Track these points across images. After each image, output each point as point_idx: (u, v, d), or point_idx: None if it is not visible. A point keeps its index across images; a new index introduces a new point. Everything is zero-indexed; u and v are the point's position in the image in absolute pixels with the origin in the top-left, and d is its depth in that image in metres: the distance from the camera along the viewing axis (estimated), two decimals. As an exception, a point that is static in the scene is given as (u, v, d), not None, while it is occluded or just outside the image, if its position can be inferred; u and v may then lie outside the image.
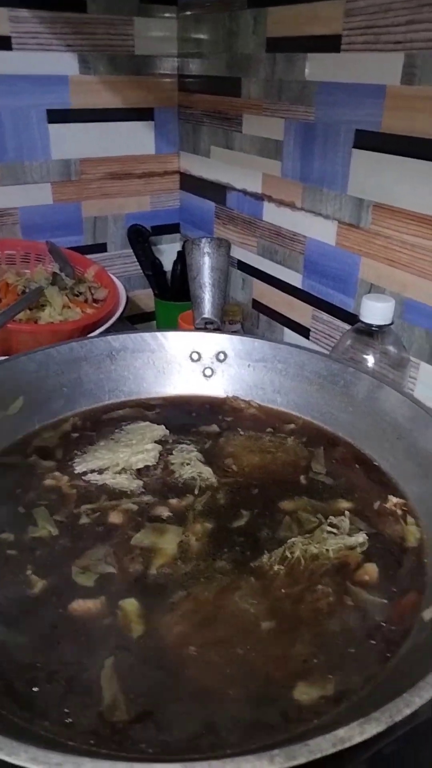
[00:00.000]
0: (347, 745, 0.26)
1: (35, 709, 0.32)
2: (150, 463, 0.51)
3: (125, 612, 0.37)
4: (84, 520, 0.45)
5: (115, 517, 0.45)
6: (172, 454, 0.53)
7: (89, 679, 0.34)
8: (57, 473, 0.50)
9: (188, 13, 0.91)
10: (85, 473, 0.50)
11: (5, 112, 0.87)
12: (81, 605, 0.38)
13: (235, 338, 0.62)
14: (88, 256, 0.94)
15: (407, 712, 0.26)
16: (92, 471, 0.51)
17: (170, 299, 0.98)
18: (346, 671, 0.34)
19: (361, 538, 0.43)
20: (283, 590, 0.39)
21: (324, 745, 0.26)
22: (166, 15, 0.93)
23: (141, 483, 0.49)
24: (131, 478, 0.50)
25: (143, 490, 0.49)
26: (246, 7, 0.79)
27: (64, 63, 0.89)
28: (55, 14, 0.86)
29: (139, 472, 0.50)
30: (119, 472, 0.50)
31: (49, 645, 0.36)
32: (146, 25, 0.92)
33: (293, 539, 0.42)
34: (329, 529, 0.43)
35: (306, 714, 0.32)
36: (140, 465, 0.50)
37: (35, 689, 0.33)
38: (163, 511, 0.46)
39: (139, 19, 0.91)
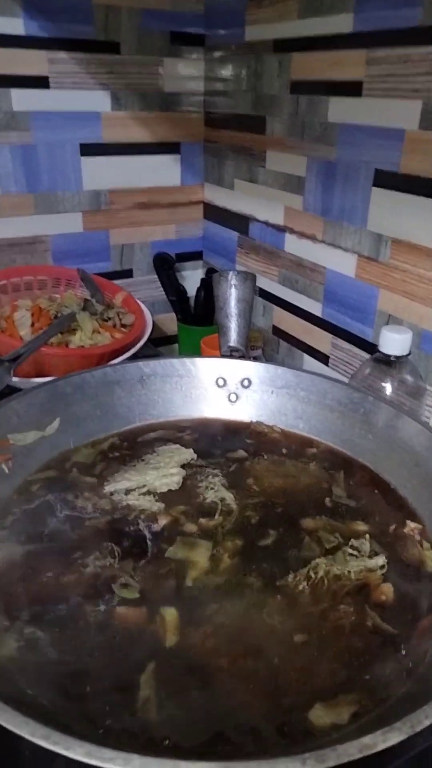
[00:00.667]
0: (372, 751, 0.29)
1: (86, 710, 0.35)
2: (173, 488, 0.53)
3: (164, 621, 0.40)
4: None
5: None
6: (197, 478, 0.56)
7: (130, 680, 0.37)
8: (87, 493, 0.53)
9: (215, 54, 0.96)
10: (112, 493, 0.53)
11: (41, 145, 0.92)
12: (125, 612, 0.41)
13: (260, 365, 0.66)
14: (115, 282, 0.98)
15: (427, 722, 0.28)
16: (119, 491, 0.53)
17: (193, 324, 1.02)
18: (366, 692, 0.37)
19: (381, 560, 0.45)
20: (308, 608, 0.42)
21: (351, 751, 0.28)
22: (194, 56, 0.98)
23: (163, 506, 0.52)
24: (153, 500, 0.52)
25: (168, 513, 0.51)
26: (272, 51, 0.84)
27: (98, 100, 0.94)
28: (91, 56, 0.91)
29: (163, 496, 0.53)
30: (144, 494, 0.53)
31: (95, 649, 0.39)
32: (175, 64, 0.97)
33: (317, 560, 0.45)
34: (350, 551, 0.46)
35: (323, 731, 0.35)
36: (164, 489, 0.53)
37: (88, 689, 0.36)
38: (192, 528, 0.49)
39: (168, 59, 0.96)
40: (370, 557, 0.46)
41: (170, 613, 0.41)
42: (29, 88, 0.89)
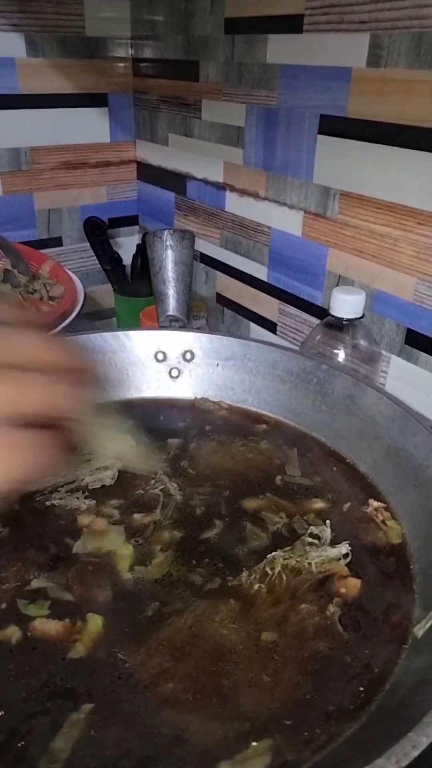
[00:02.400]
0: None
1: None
2: (107, 483, 0.47)
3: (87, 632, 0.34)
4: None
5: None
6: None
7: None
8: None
9: (141, -8, 0.86)
10: (35, 493, 0.46)
11: None
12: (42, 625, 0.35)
13: (203, 336, 0.59)
14: (43, 251, 0.89)
15: (415, 754, 0.23)
16: (42, 491, 0.46)
17: (130, 295, 0.94)
18: (335, 703, 0.32)
19: (344, 548, 0.40)
20: (265, 612, 0.36)
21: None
22: (118, -6, 0.88)
23: (93, 503, 0.45)
24: (81, 498, 0.45)
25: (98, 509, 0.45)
26: (202, -14, 0.75)
27: (10, 44, 0.83)
28: (-2, -9, 0.80)
29: (95, 492, 0.46)
30: (71, 491, 0.46)
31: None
32: (97, 4, 0.87)
33: (273, 554, 0.39)
34: (309, 540, 0.41)
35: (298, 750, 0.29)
36: (96, 485, 0.46)
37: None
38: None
39: (89, -3, 0.86)
40: (332, 545, 0.41)
41: (94, 623, 0.34)
42: None
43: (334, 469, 0.50)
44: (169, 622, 0.35)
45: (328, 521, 0.43)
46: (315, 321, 0.75)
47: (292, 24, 0.65)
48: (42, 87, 0.87)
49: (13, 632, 0.35)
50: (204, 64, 0.79)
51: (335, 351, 0.63)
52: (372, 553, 0.42)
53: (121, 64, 0.93)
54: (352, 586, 0.38)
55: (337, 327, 0.62)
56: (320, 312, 0.74)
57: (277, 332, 0.81)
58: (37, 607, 0.36)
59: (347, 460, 0.51)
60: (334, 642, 0.35)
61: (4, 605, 0.37)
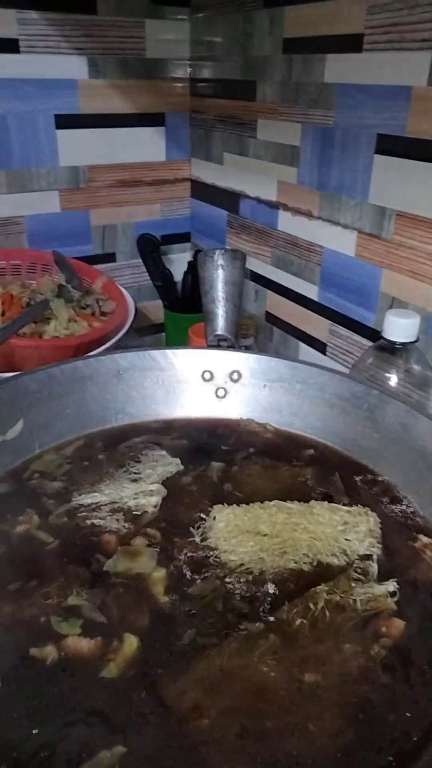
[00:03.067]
0: None
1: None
2: (148, 511, 0.46)
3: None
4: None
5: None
6: (179, 492, 0.49)
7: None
8: (48, 509, 0.46)
9: (201, 14, 0.88)
10: (77, 509, 0.46)
11: (11, 117, 0.84)
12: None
13: (250, 356, 0.58)
14: (96, 267, 0.91)
15: None
16: (86, 506, 0.46)
17: (181, 311, 0.94)
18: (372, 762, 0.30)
19: (391, 586, 0.38)
20: (307, 649, 0.35)
21: None
22: (179, 17, 0.90)
23: (132, 527, 0.44)
24: (122, 521, 0.45)
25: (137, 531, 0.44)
26: (262, 7, 0.76)
27: (73, 67, 0.86)
28: (65, 16, 0.83)
29: (135, 518, 0.45)
30: (113, 512, 0.46)
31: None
32: (157, 27, 0.89)
33: (316, 588, 0.38)
34: (355, 575, 0.39)
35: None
36: (138, 512, 0.46)
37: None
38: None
39: (150, 21, 0.88)
40: (378, 582, 0.39)
41: (129, 644, 0.34)
42: (-4, 51, 0.80)
43: (383, 500, 0.48)
44: (206, 654, 0.34)
45: (375, 556, 0.41)
46: (366, 343, 0.73)
47: (351, 43, 0.64)
48: (102, 107, 0.90)
49: (50, 652, 0.34)
50: (261, 84, 0.80)
51: (387, 375, 0.61)
52: (419, 591, 0.39)
53: (179, 85, 0.94)
54: (395, 627, 0.36)
55: (390, 350, 0.60)
56: (372, 334, 0.72)
57: (327, 353, 0.80)
58: (69, 625, 0.36)
59: (395, 491, 0.49)
60: (378, 688, 0.33)
61: (42, 619, 0.37)
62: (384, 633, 0.36)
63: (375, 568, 0.40)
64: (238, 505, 0.46)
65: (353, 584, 0.38)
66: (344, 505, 0.46)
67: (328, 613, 0.36)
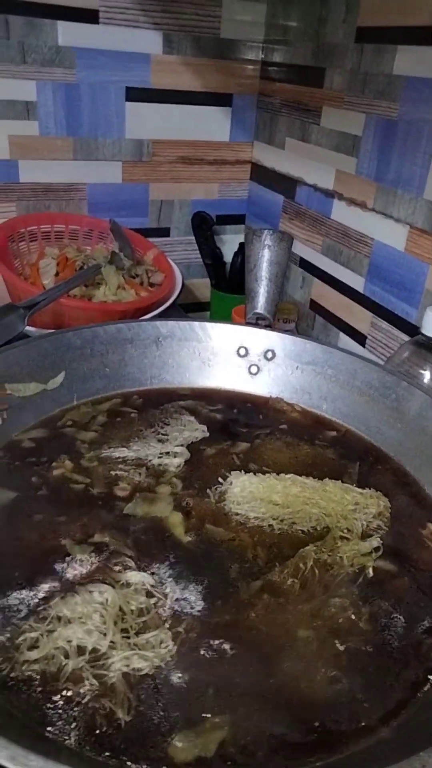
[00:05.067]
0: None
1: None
2: (171, 470, 0.49)
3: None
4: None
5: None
6: (201, 455, 0.51)
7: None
8: (77, 456, 0.49)
9: (279, -3, 0.88)
10: (105, 459, 0.49)
11: (85, 85, 0.87)
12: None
13: (287, 337, 0.60)
14: (150, 240, 0.93)
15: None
16: (113, 459, 0.49)
17: (227, 291, 0.96)
18: (372, 701, 0.32)
19: (375, 542, 0.40)
20: (299, 607, 0.37)
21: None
22: (256, -1, 0.90)
23: (153, 482, 0.47)
24: (144, 475, 0.48)
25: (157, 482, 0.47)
26: (339, -6, 0.76)
27: (149, 41, 0.88)
28: (145, -9, 0.84)
29: (157, 474, 0.48)
30: (136, 467, 0.49)
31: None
32: (234, 7, 0.90)
33: (305, 548, 0.40)
34: (341, 534, 0.41)
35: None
36: (160, 470, 0.49)
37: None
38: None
39: (228, 1, 0.89)
40: (362, 539, 0.41)
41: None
42: (77, 21, 0.83)
43: (398, 487, 0.49)
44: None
45: (361, 515, 0.43)
46: (406, 338, 0.73)
47: (426, 36, 0.64)
48: (172, 83, 0.92)
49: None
50: (330, 71, 0.80)
51: (421, 371, 0.62)
52: (418, 572, 0.41)
53: (250, 67, 0.95)
54: (399, 586, 0.38)
55: (427, 347, 0.61)
56: (412, 330, 0.72)
57: (366, 345, 0.80)
58: (81, 549, 0.39)
59: (413, 480, 0.50)
60: (371, 641, 0.35)
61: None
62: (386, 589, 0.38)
63: (359, 525, 0.42)
64: (255, 474, 0.48)
65: (339, 542, 0.40)
66: (357, 487, 0.47)
67: (317, 572, 0.38)
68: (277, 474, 0.47)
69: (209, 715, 0.31)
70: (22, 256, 0.83)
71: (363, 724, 0.31)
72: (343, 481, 0.47)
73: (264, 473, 0.48)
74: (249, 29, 0.92)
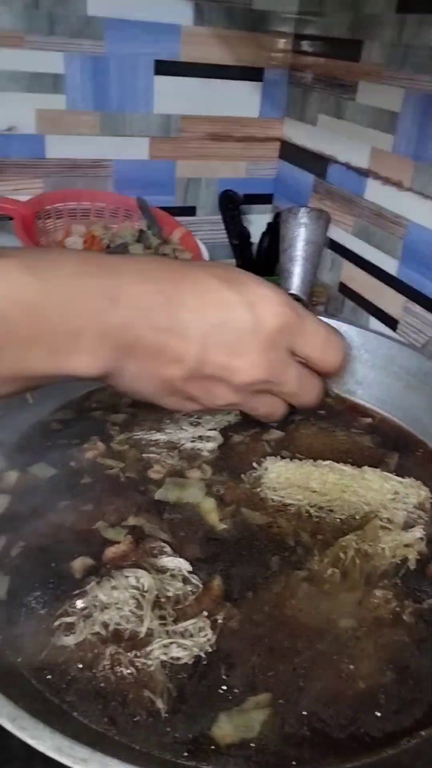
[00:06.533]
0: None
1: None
2: (204, 455, 0.47)
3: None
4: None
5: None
6: (235, 441, 0.50)
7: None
8: (108, 438, 0.48)
9: (315, -34, 0.85)
10: (136, 442, 0.48)
11: (114, 58, 0.85)
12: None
13: (322, 319, 0.58)
14: (177, 218, 0.91)
15: None
16: (145, 441, 0.48)
17: (253, 272, 0.94)
18: (414, 699, 0.31)
19: (418, 533, 0.39)
20: (341, 597, 0.36)
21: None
22: (292, -33, 0.87)
23: (185, 464, 0.47)
24: (177, 458, 0.47)
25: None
26: (381, -39, 0.72)
27: (179, 12, 0.85)
28: (176, -41, 0.82)
29: (190, 458, 0.47)
30: (168, 449, 0.48)
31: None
32: (268, -23, 0.87)
33: (345, 537, 0.39)
34: (382, 523, 0.40)
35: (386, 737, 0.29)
36: (193, 454, 0.47)
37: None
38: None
39: (261, -30, 0.86)
40: (404, 529, 0.39)
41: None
42: (107, -10, 0.81)
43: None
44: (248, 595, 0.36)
45: (401, 505, 0.41)
46: (441, 324, 0.71)
47: (473, 5, 0.61)
48: (202, 56, 0.89)
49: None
50: (368, 44, 0.77)
51: (459, 358, 0.60)
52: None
53: (283, 40, 0.92)
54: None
55: (466, 333, 0.59)
56: (448, 315, 0.70)
57: (397, 330, 0.78)
58: (115, 532, 0.38)
59: (453, 471, 0.48)
60: (415, 634, 0.34)
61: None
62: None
63: (401, 516, 0.40)
64: (290, 460, 0.46)
65: (380, 532, 0.39)
66: (396, 475, 0.46)
67: (358, 561, 0.37)
68: (314, 461, 0.46)
69: (252, 697, 0.30)
70: (48, 234, 0.81)
71: (402, 723, 0.30)
72: (380, 464, 0.46)
73: (299, 460, 0.47)
74: (282, 0, 0.89)
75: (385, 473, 0.45)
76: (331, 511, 0.42)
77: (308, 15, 0.88)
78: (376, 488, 0.43)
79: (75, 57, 0.83)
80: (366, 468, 0.45)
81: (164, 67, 0.88)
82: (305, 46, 0.90)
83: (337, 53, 0.83)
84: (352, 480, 0.44)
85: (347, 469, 0.45)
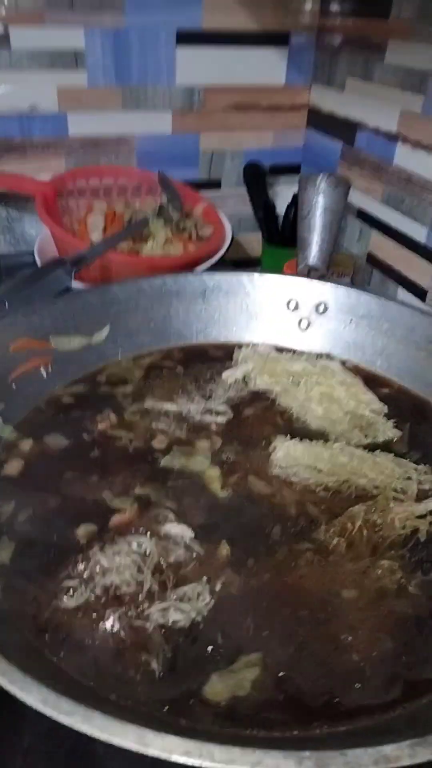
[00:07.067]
0: (391, 766, 0.22)
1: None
2: (212, 428, 0.47)
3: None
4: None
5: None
6: (245, 413, 0.49)
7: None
8: (112, 415, 0.49)
9: None
10: (147, 411, 0.48)
11: (134, 30, 0.83)
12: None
13: (340, 289, 0.57)
14: (201, 192, 0.90)
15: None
16: (155, 411, 0.48)
17: (279, 244, 0.92)
18: (417, 667, 0.30)
19: (431, 504, 0.37)
20: (345, 567, 0.35)
21: (364, 760, 0.22)
22: None
23: (192, 437, 0.46)
24: (185, 430, 0.47)
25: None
26: None
27: (200, -24, 0.83)
28: None
29: (198, 430, 0.47)
30: (178, 421, 0.47)
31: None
32: None
33: (354, 508, 0.38)
34: (394, 494, 0.38)
35: (360, 709, 0.29)
36: (201, 426, 0.47)
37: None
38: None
39: None
40: (417, 501, 0.38)
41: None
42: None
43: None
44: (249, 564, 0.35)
45: (414, 473, 0.40)
46: (472, 293, 0.68)
47: None
48: (225, 23, 0.86)
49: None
50: (398, 0, 0.73)
51: None
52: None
53: (309, 2, 0.88)
54: None
55: None
56: None
57: (427, 300, 0.75)
58: (121, 501, 0.38)
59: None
60: (420, 606, 0.33)
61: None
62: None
63: (414, 487, 0.39)
64: (300, 439, 0.46)
65: (391, 503, 0.38)
66: (406, 454, 0.44)
67: (365, 532, 0.36)
68: (324, 440, 0.45)
69: (243, 656, 0.30)
70: (71, 211, 0.82)
71: (396, 691, 0.30)
72: (393, 443, 0.44)
73: (310, 438, 0.45)
74: (308, -41, 0.85)
75: (399, 458, 0.44)
76: (339, 492, 0.41)
77: (334, -27, 0.84)
78: (388, 472, 0.42)
79: (95, 31, 0.82)
80: (378, 452, 0.44)
81: (186, 38, 0.86)
82: (332, 6, 0.86)
83: (366, 11, 0.79)
84: (362, 462, 0.43)
85: (358, 451, 0.44)
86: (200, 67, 0.88)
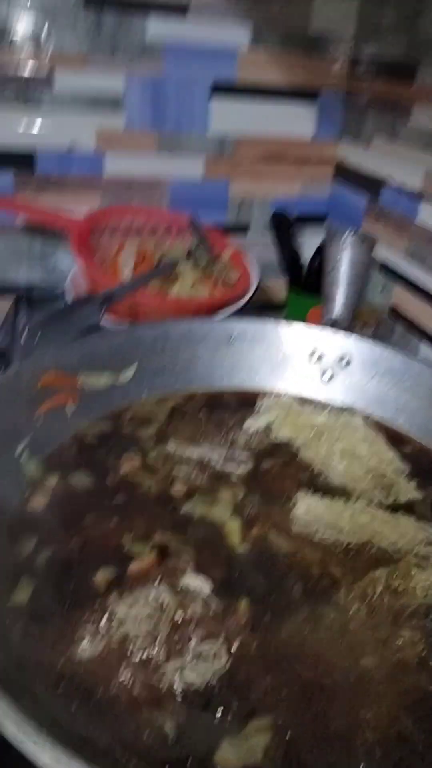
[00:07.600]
0: None
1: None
2: (233, 478, 0.47)
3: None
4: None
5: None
6: (268, 464, 0.49)
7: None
8: (135, 458, 0.49)
9: (376, -10, 0.84)
10: (168, 456, 0.49)
11: (171, 80, 0.87)
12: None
13: (364, 343, 0.57)
14: (229, 237, 0.92)
15: None
16: (178, 457, 0.48)
17: (303, 293, 0.93)
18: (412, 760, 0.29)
19: None
20: (366, 635, 0.34)
21: None
22: (351, -9, 0.87)
23: (215, 485, 0.46)
24: (203, 478, 0.47)
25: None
26: (442, -16, 0.71)
27: (236, 35, 0.86)
28: (235, -16, 0.83)
29: (219, 480, 0.47)
30: (200, 469, 0.47)
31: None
32: (326, 2, 0.87)
33: (376, 572, 0.37)
34: (415, 561, 0.38)
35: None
36: (222, 476, 0.47)
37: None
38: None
39: (319, -6, 0.86)
40: None
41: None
42: (167, 14, 0.83)
43: None
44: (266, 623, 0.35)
45: None
46: None
47: None
48: (258, 79, 0.90)
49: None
50: (423, 67, 0.76)
51: None
52: None
53: (339, 63, 0.92)
54: None
55: None
56: None
57: (448, 357, 0.76)
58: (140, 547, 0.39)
59: None
60: None
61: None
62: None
63: None
64: (322, 496, 0.45)
65: (414, 570, 0.37)
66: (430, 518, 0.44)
67: (386, 599, 0.36)
68: (346, 497, 0.45)
69: (254, 721, 0.30)
70: (103, 249, 0.84)
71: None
72: (415, 504, 0.44)
73: (333, 494, 0.45)
74: (339, 24, 0.89)
75: (421, 523, 0.43)
76: (360, 552, 0.41)
77: (364, 39, 0.88)
78: (409, 537, 0.42)
79: (134, 78, 0.86)
80: (400, 515, 0.44)
81: (221, 89, 0.89)
82: (361, 68, 0.89)
83: (393, 76, 0.82)
84: (384, 524, 0.42)
85: (380, 513, 0.43)
86: (233, 118, 0.92)
